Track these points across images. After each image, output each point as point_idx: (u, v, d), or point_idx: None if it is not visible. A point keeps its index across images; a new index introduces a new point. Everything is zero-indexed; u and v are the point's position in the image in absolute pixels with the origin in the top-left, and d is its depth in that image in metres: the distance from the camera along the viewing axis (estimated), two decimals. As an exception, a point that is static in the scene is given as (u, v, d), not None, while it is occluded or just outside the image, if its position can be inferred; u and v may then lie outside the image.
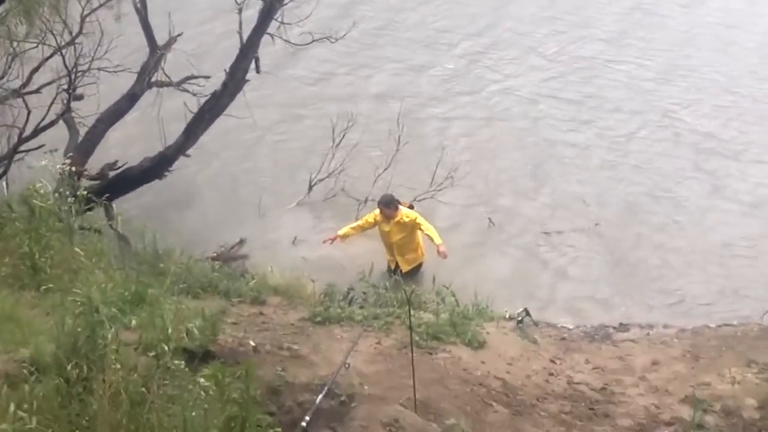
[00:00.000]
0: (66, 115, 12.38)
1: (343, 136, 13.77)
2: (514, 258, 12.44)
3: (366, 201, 13.07)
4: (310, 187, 13.44)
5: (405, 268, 11.68)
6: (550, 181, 14.02)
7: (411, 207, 11.89)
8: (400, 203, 11.67)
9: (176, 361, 6.08)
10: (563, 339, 9.74)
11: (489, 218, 12.98)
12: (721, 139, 15.02)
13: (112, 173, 12.34)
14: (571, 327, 10.37)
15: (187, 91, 12.72)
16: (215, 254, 11.41)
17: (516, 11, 19.30)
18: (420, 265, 11.82)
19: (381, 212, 11.58)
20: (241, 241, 12.06)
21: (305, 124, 15.35)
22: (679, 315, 11.11)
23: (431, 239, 11.38)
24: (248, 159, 14.56)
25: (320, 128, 14.40)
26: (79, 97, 12.65)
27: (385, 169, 13.37)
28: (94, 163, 12.51)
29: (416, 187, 13.26)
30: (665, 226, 13.06)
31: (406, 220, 11.50)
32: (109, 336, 5.82)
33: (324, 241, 11.79)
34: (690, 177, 14.08)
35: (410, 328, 7.84)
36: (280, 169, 14.35)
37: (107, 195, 11.34)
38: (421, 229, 11.52)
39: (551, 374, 8.73)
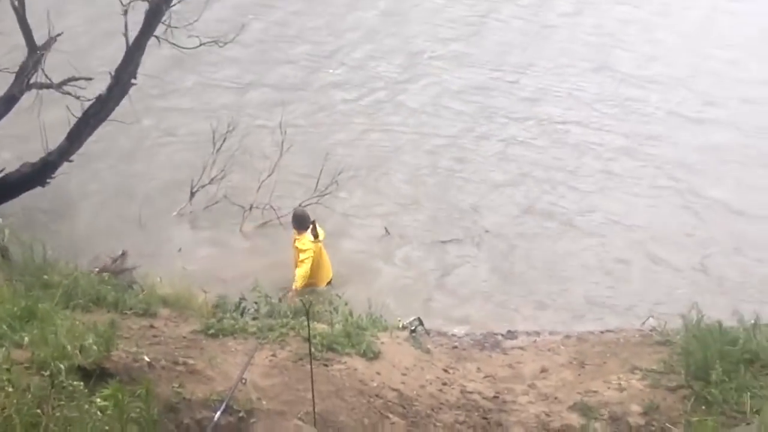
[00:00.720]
0: (-62, 118, 11.81)
1: (224, 140, 13.58)
2: (405, 267, 12.54)
3: (251, 208, 12.95)
4: (192, 195, 13.20)
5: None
6: (438, 191, 14.20)
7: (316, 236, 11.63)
8: (306, 225, 11.55)
9: (73, 382, 5.86)
10: (455, 348, 9.87)
11: (385, 228, 13.05)
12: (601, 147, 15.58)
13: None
14: (461, 335, 10.55)
15: (70, 94, 12.30)
16: (102, 266, 11.06)
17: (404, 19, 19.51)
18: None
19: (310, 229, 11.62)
20: (123, 254, 11.70)
21: (187, 129, 15.14)
22: (564, 321, 11.44)
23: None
24: (128, 166, 14.26)
25: (202, 135, 14.18)
26: (-48, 100, 12.09)
27: (269, 175, 13.28)
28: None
29: (300, 193, 13.27)
30: (549, 234, 13.42)
31: (297, 245, 11.50)
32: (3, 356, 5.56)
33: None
34: (571, 186, 14.54)
35: (309, 339, 7.81)
36: (161, 177, 14.08)
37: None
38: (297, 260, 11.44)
39: (445, 384, 8.81)
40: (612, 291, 12.20)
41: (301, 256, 11.37)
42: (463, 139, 15.63)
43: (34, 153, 12.06)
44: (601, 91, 17.42)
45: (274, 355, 8.58)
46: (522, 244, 13.16)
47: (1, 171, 11.99)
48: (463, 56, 18.38)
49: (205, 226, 13.00)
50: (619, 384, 8.61)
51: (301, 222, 11.56)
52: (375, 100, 16.76)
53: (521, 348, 10.06)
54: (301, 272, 11.39)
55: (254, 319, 9.66)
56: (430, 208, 13.83)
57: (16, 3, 12.19)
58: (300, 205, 12.75)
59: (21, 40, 12.29)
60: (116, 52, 12.12)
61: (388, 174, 14.60)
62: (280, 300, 10.64)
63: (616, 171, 14.94)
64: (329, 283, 11.79)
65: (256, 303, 10.33)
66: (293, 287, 11.38)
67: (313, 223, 11.63)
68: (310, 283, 11.65)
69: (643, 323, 10.26)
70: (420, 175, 14.67)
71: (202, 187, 13.23)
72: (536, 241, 13.25)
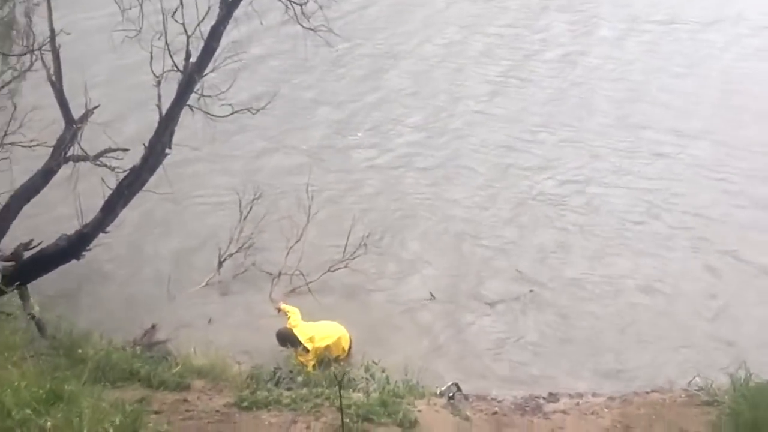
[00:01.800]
0: (-22, 193, 11.97)
1: (251, 208, 13.58)
2: (440, 328, 12.30)
3: (279, 275, 12.88)
4: (220, 264, 13.16)
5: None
6: (473, 250, 14.04)
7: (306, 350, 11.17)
8: (293, 342, 11.16)
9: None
10: (495, 413, 9.61)
11: (431, 292, 12.83)
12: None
13: (27, 253, 11.87)
14: (501, 399, 10.28)
15: (105, 165, 12.40)
16: (134, 339, 11.01)
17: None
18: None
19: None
20: (154, 327, 11.60)
21: (215, 197, 15.23)
22: (607, 381, 11.12)
23: None
24: (157, 235, 14.29)
25: (229, 202, 14.28)
26: (-8, 174, 12.26)
27: (297, 241, 13.20)
28: (9, 243, 12.05)
29: (329, 256, 13.17)
30: (585, 294, 13.10)
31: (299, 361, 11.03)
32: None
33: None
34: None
35: (341, 411, 7.66)
36: (189, 246, 14.06)
37: (22, 277, 10.92)
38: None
39: (485, 455, 8.61)
40: (653, 350, 11.84)
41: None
42: (499, 200, 15.50)
43: (71, 225, 12.12)
44: (627, 146, 17.22)
45: (308, 428, 8.45)
46: (562, 304, 12.87)
47: (39, 244, 12.04)
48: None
49: (234, 294, 12.89)
50: (666, 450, 8.33)
51: (288, 341, 11.22)
52: (402, 161, 16.80)
53: (564, 412, 9.78)
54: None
55: (289, 389, 9.52)
56: (465, 270, 13.58)
57: (53, 77, 12.39)
58: (330, 270, 12.77)
59: (58, 113, 12.44)
60: (151, 123, 12.18)
61: (419, 236, 14.45)
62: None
63: (641, 231, 14.62)
64: (350, 349, 11.48)
65: (291, 371, 10.25)
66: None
67: (292, 333, 11.27)
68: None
69: (689, 383, 9.89)
70: (450, 235, 14.50)
71: (230, 255, 13.20)
72: (573, 301, 12.92)
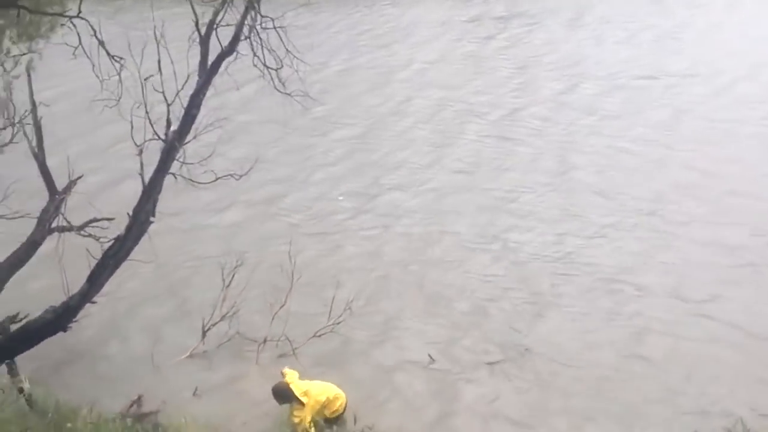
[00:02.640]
0: (-39, 267, 11.95)
1: (233, 276, 13.48)
2: (435, 392, 12.10)
3: (265, 341, 12.79)
4: (204, 334, 13.05)
5: None
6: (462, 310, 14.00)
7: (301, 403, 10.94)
8: (289, 396, 10.96)
9: None
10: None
11: (429, 354, 12.72)
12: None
13: (13, 326, 11.80)
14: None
15: (90, 235, 12.41)
16: (122, 411, 10.90)
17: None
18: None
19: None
20: (139, 398, 11.48)
21: (194, 268, 15.27)
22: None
23: None
24: (140, 305, 14.26)
25: (211, 272, 14.26)
26: (-25, 248, 12.25)
27: (281, 307, 13.10)
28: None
29: (314, 321, 13.07)
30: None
31: (294, 420, 10.88)
32: None
33: None
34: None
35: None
36: (172, 315, 14.03)
37: (9, 351, 10.86)
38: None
39: None
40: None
41: (298, 429, 10.81)
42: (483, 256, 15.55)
43: (58, 296, 12.08)
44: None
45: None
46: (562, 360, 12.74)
47: (26, 317, 11.98)
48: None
49: (220, 364, 12.77)
50: None
51: (283, 396, 11.06)
52: (381, 223, 16.96)
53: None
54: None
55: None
56: (455, 330, 13.49)
57: (36, 149, 12.47)
58: (316, 335, 12.70)
59: (41, 186, 12.47)
60: (135, 191, 12.21)
61: (403, 298, 14.42)
62: None
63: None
64: (344, 410, 11.28)
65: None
66: None
67: (288, 387, 11.07)
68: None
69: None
70: (435, 296, 14.47)
71: (214, 325, 13.08)
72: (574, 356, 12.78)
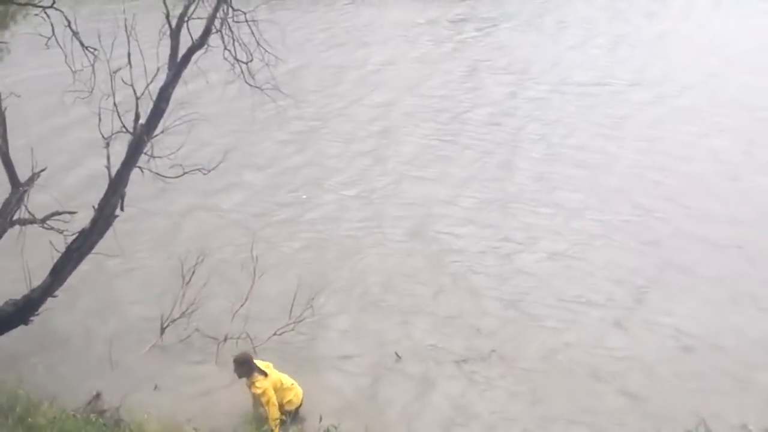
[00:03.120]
0: None
1: (193, 273, 13.37)
2: (402, 390, 12.13)
3: (225, 339, 12.69)
4: (162, 330, 12.93)
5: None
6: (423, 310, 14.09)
7: (264, 373, 11.04)
8: (252, 366, 11.01)
9: None
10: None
11: (396, 352, 12.73)
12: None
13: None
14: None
15: (54, 228, 12.22)
16: (82, 407, 10.72)
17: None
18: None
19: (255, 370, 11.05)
20: (98, 395, 11.25)
21: (156, 260, 15.17)
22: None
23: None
24: (95, 300, 14.08)
25: (171, 267, 14.15)
26: (-67, 240, 11.99)
27: (242, 305, 13.06)
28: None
29: (275, 320, 12.97)
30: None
31: (253, 391, 10.96)
32: None
33: None
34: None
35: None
36: (130, 311, 13.88)
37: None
38: (262, 405, 10.92)
39: None
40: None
41: (263, 400, 10.82)
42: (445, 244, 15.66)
43: (18, 289, 11.92)
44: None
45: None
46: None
47: (-16, 310, 11.80)
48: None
49: (179, 360, 12.65)
50: None
51: (244, 366, 11.04)
52: (349, 219, 17.10)
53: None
54: (274, 415, 10.80)
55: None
56: (421, 327, 13.57)
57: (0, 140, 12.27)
58: (276, 333, 12.61)
59: (3, 178, 12.28)
60: (101, 184, 12.10)
61: (366, 295, 14.47)
62: None
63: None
64: (298, 407, 11.24)
65: (251, 438, 10.13)
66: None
67: (254, 366, 11.06)
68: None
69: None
70: (403, 291, 14.57)
71: (173, 321, 12.95)
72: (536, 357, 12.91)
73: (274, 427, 10.81)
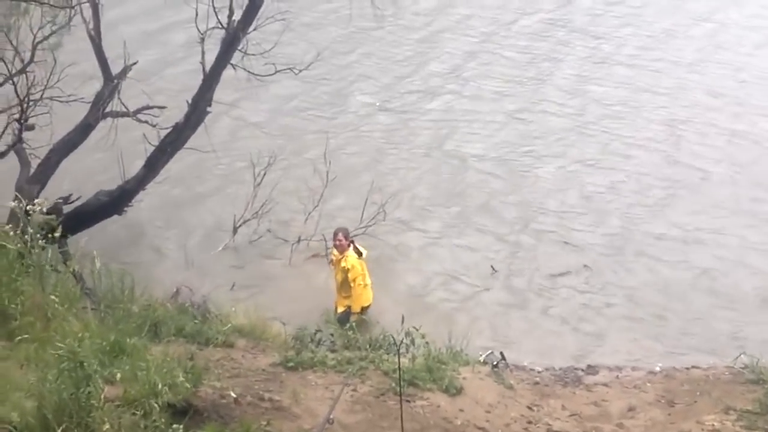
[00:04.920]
0: (17, 146, 11.91)
1: (264, 174, 13.39)
2: (475, 293, 12.25)
3: (299, 240, 12.76)
4: (235, 230, 12.99)
5: (338, 308, 11.40)
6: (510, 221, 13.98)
7: (359, 253, 11.32)
8: (352, 242, 11.35)
9: (164, 420, 5.75)
10: (537, 383, 9.64)
11: (492, 266, 12.69)
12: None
13: (66, 208, 11.79)
14: (540, 370, 10.30)
15: (146, 122, 12.32)
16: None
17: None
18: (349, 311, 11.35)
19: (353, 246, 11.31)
20: (178, 291, 11.33)
21: (228, 164, 15.08)
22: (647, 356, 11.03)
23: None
24: (171, 199, 14.04)
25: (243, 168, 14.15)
26: (31, 128, 12.17)
27: (315, 207, 13.07)
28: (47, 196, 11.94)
29: (346, 223, 12.70)
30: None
31: (344, 265, 11.18)
32: (96, 393, 5.46)
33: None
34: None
35: (400, 385, 7.64)
36: (205, 211, 13.93)
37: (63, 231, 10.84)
38: (350, 283, 11.21)
39: (530, 422, 8.55)
40: (698, 327, 11.70)
41: (350, 275, 11.09)
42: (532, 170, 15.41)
43: (110, 181, 12.08)
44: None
45: (355, 390, 8.40)
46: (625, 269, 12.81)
47: (78, 198, 11.99)
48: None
49: (252, 261, 12.75)
50: (713, 426, 8.29)
51: (347, 239, 11.32)
52: (421, 126, 16.75)
53: (605, 384, 9.80)
54: (358, 292, 11.14)
55: (332, 351, 9.49)
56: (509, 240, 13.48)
57: (92, 33, 12.29)
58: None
59: (97, 71, 12.36)
60: (188, 80, 12.10)
61: (442, 204, 14.32)
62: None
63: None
64: (367, 308, 11.36)
65: (332, 335, 10.20)
66: (353, 312, 11.16)
67: (353, 241, 11.39)
68: (347, 305, 11.32)
69: (735, 360, 9.85)
70: (491, 204, 14.40)
71: (245, 221, 13.02)
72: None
73: (355, 303, 11.13)
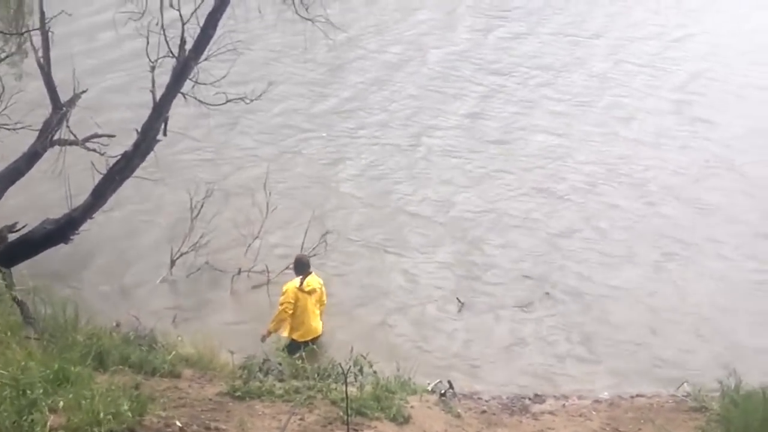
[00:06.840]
0: (-38, 173, 11.79)
1: (202, 206, 13.32)
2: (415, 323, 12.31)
3: (239, 272, 12.76)
4: (173, 263, 12.87)
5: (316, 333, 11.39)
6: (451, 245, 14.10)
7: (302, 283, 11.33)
8: (307, 273, 11.34)
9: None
10: (484, 412, 9.66)
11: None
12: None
13: (12, 236, 11.68)
14: (488, 398, 10.36)
15: (95, 150, 12.26)
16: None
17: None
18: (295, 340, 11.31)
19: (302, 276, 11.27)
20: (118, 325, 11.17)
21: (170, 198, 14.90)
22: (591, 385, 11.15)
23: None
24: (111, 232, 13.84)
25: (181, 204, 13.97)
26: (-24, 155, 12.06)
27: (256, 238, 13.06)
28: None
29: (288, 254, 12.83)
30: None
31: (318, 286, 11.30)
32: (40, 421, 5.40)
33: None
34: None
35: (347, 415, 7.66)
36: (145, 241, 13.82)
37: (6, 260, 10.73)
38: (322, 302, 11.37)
39: (477, 451, 8.62)
40: (640, 354, 11.86)
41: (280, 299, 11.17)
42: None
43: (57, 210, 11.96)
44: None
45: (302, 419, 8.37)
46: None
47: (24, 227, 11.87)
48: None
49: (193, 293, 12.66)
50: (658, 453, 8.42)
51: (296, 267, 11.38)
52: (368, 158, 16.89)
53: (551, 413, 9.86)
54: (276, 317, 11.14)
55: (280, 380, 9.45)
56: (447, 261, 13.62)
57: (42, 60, 12.25)
58: (288, 267, 12.33)
59: (45, 99, 12.29)
60: (140, 110, 12.09)
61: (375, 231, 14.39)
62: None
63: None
64: (314, 340, 11.15)
65: (280, 364, 10.16)
66: (265, 330, 11.20)
67: (307, 273, 11.32)
68: (292, 336, 11.26)
69: (678, 388, 10.02)
70: (434, 224, 14.60)
71: (182, 254, 12.91)
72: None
73: (270, 323, 11.15)
